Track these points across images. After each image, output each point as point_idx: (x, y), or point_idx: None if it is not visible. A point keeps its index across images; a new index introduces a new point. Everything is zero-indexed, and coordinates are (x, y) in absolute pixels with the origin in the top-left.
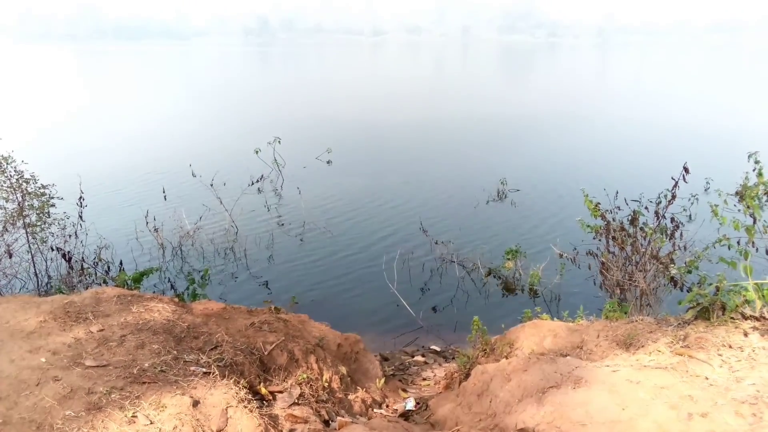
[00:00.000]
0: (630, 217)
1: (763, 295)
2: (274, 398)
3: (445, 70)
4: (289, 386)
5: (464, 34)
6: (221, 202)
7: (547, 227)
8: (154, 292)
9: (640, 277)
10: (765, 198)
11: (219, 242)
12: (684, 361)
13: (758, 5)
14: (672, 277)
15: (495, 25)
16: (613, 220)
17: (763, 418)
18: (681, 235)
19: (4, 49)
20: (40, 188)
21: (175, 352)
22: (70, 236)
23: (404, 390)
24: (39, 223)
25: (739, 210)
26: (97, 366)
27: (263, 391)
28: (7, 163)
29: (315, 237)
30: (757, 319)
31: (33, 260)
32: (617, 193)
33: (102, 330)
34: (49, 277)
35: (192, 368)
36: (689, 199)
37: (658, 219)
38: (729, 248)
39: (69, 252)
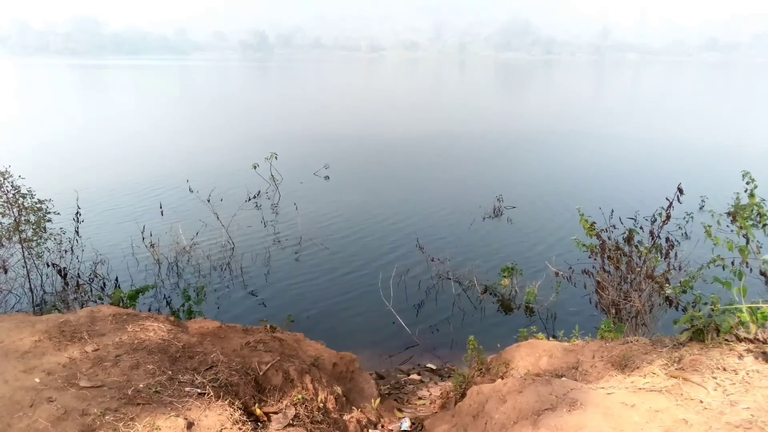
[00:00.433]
0: (625, 236)
1: (757, 318)
2: (269, 419)
3: (442, 86)
4: (284, 407)
5: (461, 51)
6: (218, 217)
7: (543, 244)
8: (149, 308)
9: (635, 296)
10: (758, 218)
11: (215, 258)
12: (679, 384)
13: (751, 25)
14: (667, 297)
15: (492, 43)
16: (609, 238)
17: None
18: (675, 255)
19: (2, 63)
20: (36, 203)
21: (170, 372)
22: (66, 252)
23: (400, 410)
24: (35, 238)
25: (732, 230)
26: (92, 387)
27: (258, 412)
28: (4, 178)
29: (311, 253)
30: (751, 341)
31: (28, 276)
32: (612, 211)
33: (97, 350)
34: (44, 292)
35: (187, 389)
36: (684, 218)
37: (653, 238)
38: (723, 269)
39: (65, 268)
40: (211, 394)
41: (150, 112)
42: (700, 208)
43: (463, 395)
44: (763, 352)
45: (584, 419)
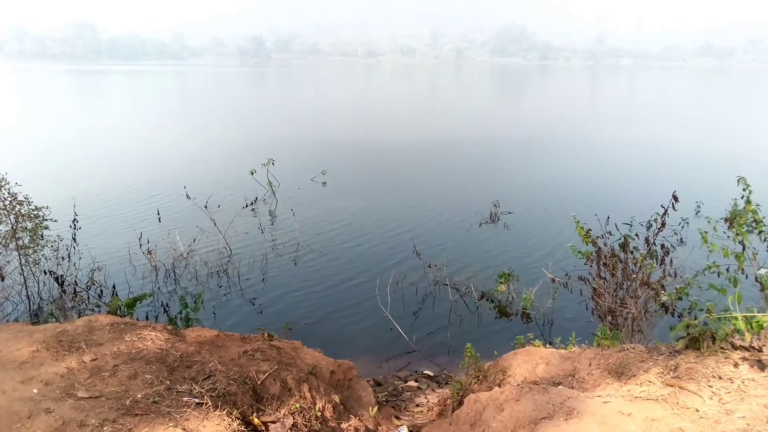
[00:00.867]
0: (620, 243)
1: (752, 327)
2: (267, 429)
3: (439, 92)
4: (281, 416)
5: (457, 56)
6: (215, 224)
7: (539, 250)
8: (147, 316)
9: (631, 303)
10: (754, 224)
11: (213, 265)
12: (675, 392)
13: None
14: (663, 303)
15: (488, 48)
16: (605, 245)
17: None
18: (671, 261)
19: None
20: (33, 210)
21: (167, 382)
22: (63, 259)
23: (397, 417)
24: (32, 246)
25: (728, 237)
26: (90, 397)
27: (256, 421)
28: (1, 186)
29: (309, 260)
30: (746, 349)
31: (25, 283)
32: (608, 218)
33: (95, 359)
34: (41, 299)
35: (185, 399)
36: (680, 223)
37: (648, 245)
38: (719, 275)
39: (62, 275)
40: (209, 403)
41: (147, 118)
42: (696, 214)
43: (460, 403)
44: (759, 360)
45: (581, 428)
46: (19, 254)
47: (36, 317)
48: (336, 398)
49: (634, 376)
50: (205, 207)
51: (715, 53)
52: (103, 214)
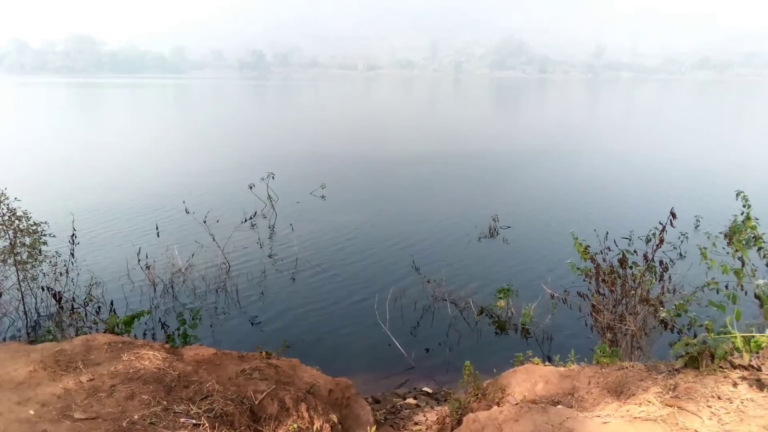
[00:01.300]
0: (619, 259)
1: (750, 347)
2: None
3: (438, 105)
4: None
5: (456, 69)
6: (214, 238)
7: (538, 265)
8: (144, 332)
9: (630, 319)
10: (753, 240)
11: (211, 279)
12: (674, 413)
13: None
14: (662, 320)
15: (486, 61)
16: (604, 260)
17: None
18: (670, 278)
19: (0, 82)
20: (32, 225)
21: (165, 402)
22: (61, 274)
23: None
24: (30, 261)
25: (727, 253)
26: (87, 418)
27: None
28: (0, 201)
29: (307, 275)
30: (745, 368)
31: (23, 299)
32: (607, 233)
33: (92, 379)
34: (39, 315)
35: (182, 420)
36: (679, 237)
37: (647, 261)
38: (717, 292)
39: (59, 292)
40: (206, 425)
41: (146, 132)
42: (696, 228)
43: (459, 422)
44: (758, 380)
45: None
46: (17, 270)
47: (33, 332)
48: (334, 417)
49: (633, 395)
50: (204, 221)
51: (713, 67)
52: (101, 229)
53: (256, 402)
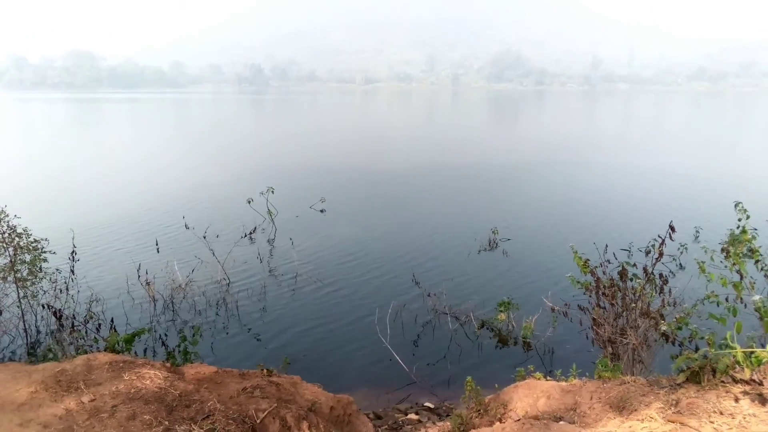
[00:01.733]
0: (619, 271)
1: (751, 362)
2: None
3: (437, 118)
4: None
5: (454, 82)
6: (214, 253)
7: (538, 277)
8: (145, 348)
9: (631, 332)
10: (750, 253)
11: (211, 295)
12: (676, 429)
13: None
14: (663, 333)
15: (484, 74)
16: (604, 273)
17: None
18: (670, 291)
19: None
20: (32, 242)
21: (166, 422)
22: (61, 291)
23: None
24: (30, 278)
25: (726, 267)
26: None
27: None
28: (0, 218)
29: (307, 290)
30: (747, 383)
31: (23, 316)
32: (606, 246)
33: (93, 400)
34: (39, 333)
35: None
36: (678, 248)
37: (647, 274)
38: (718, 305)
39: (60, 309)
40: None
41: (146, 147)
42: (695, 239)
43: None
44: (759, 395)
45: None
46: (18, 287)
47: (33, 350)
48: None
49: (635, 410)
50: (204, 237)
51: (708, 77)
52: (101, 245)
53: (258, 421)
